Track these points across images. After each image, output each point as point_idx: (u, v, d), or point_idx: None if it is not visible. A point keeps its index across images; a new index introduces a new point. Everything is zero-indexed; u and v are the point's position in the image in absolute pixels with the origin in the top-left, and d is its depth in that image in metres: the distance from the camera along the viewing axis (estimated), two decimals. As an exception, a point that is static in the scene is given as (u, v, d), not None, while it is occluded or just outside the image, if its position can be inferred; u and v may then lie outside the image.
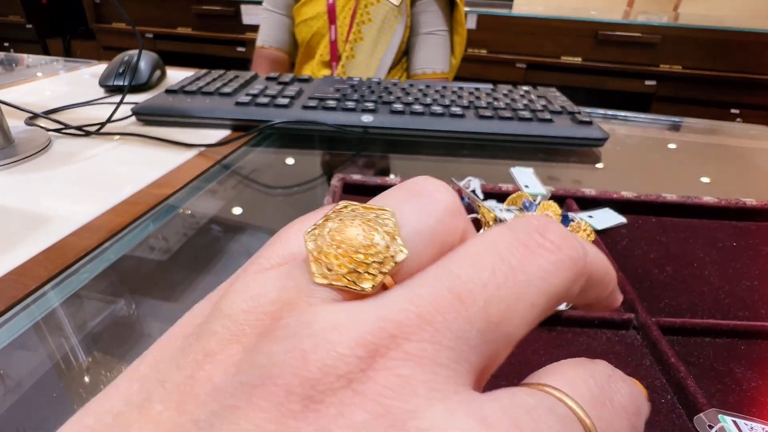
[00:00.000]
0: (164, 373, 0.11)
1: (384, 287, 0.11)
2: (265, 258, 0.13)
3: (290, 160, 0.52)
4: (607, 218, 0.39)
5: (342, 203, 0.12)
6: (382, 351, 0.10)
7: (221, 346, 0.11)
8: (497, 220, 0.35)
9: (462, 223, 0.13)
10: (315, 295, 0.11)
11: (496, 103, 0.59)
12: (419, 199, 0.13)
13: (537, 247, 0.11)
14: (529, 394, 0.10)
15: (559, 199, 0.40)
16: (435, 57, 0.97)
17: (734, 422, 0.22)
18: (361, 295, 0.11)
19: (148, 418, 0.10)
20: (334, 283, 0.11)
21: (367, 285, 0.11)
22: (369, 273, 0.11)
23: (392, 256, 0.11)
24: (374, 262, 0.11)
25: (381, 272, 0.11)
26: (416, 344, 0.10)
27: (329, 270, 0.11)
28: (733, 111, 1.83)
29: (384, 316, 0.10)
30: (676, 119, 0.71)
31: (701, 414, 0.22)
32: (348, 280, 0.11)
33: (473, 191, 0.39)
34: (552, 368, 0.12)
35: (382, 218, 0.12)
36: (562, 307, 0.29)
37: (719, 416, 0.22)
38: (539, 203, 0.36)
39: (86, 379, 0.26)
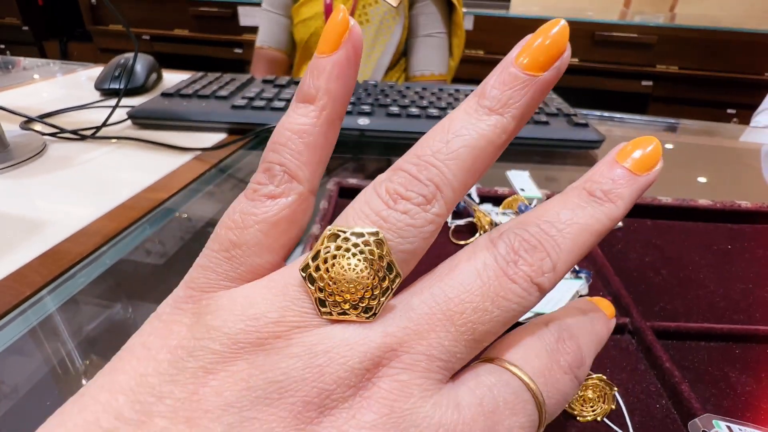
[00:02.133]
0: (158, 387, 0.11)
1: None
2: (229, 265, 0.13)
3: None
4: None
5: (329, 230, 0.13)
6: (385, 362, 0.12)
7: (223, 363, 0.12)
8: (493, 224, 0.35)
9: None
10: (318, 317, 0.12)
11: (492, 105, 0.59)
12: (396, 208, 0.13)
13: (517, 274, 0.13)
14: (490, 372, 0.13)
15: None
16: (433, 59, 0.97)
17: (728, 427, 0.22)
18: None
19: None
20: (339, 317, 0.12)
21: (369, 313, 0.13)
22: (370, 307, 0.13)
23: (390, 286, 0.13)
24: (374, 296, 0.13)
25: (382, 300, 0.13)
26: (413, 356, 0.12)
27: (334, 306, 0.12)
28: (729, 111, 1.84)
29: (389, 333, 0.12)
30: (672, 120, 0.71)
31: (696, 419, 0.22)
32: (355, 315, 0.13)
33: (469, 195, 0.39)
34: (511, 339, 0.14)
35: (372, 243, 0.13)
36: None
37: (714, 421, 0.22)
38: (535, 207, 0.36)
39: (83, 384, 0.25)
